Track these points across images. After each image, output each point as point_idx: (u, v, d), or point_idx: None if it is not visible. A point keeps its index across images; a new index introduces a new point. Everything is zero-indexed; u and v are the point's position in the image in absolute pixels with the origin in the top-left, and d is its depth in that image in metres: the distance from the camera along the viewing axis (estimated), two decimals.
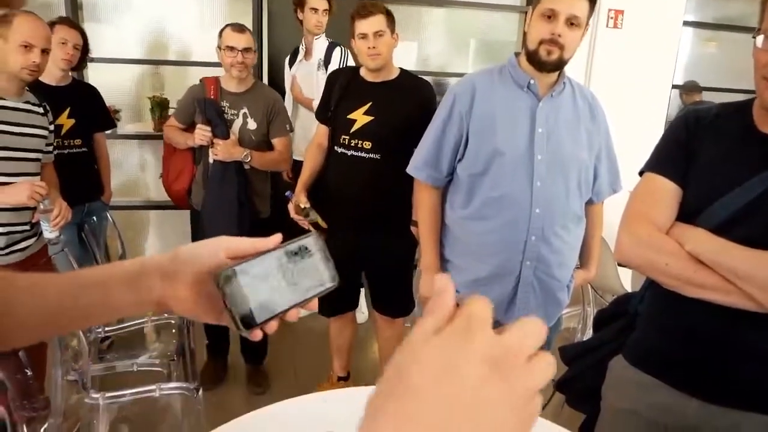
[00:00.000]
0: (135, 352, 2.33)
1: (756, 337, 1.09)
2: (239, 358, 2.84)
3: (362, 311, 3.34)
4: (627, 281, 2.33)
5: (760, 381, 1.12)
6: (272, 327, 0.58)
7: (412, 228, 2.11)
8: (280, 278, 0.57)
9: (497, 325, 0.37)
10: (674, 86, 4.09)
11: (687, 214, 1.14)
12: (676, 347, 1.18)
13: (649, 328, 1.24)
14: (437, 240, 1.81)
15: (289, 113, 3.16)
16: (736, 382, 1.13)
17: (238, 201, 2.31)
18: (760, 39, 1.03)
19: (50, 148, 2.06)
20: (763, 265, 1.01)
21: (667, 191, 1.17)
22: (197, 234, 2.53)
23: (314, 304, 0.60)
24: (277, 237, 0.59)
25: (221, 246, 0.60)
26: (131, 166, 3.68)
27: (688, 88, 4.21)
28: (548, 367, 0.37)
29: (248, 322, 0.55)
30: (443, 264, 1.81)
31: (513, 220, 1.64)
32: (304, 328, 3.44)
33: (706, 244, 1.07)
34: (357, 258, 2.26)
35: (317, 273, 0.60)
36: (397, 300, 2.34)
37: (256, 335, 0.57)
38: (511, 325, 0.37)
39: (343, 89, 2.15)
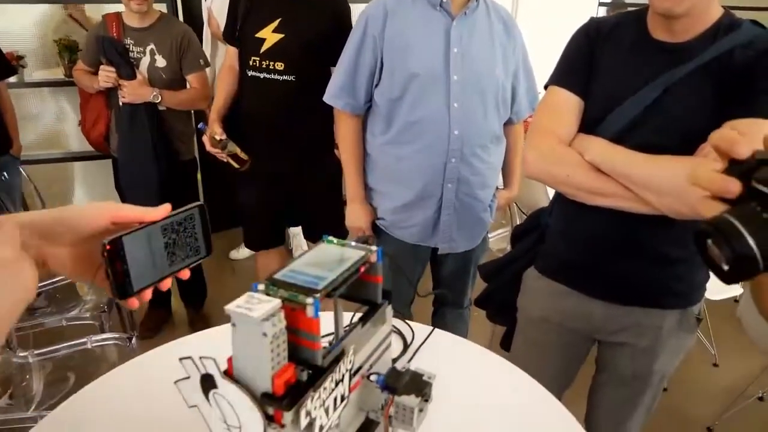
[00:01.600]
0: (70, 307, 2.28)
1: (654, 239, 1.14)
2: (181, 305, 2.85)
3: (303, 247, 3.35)
4: None
5: (659, 280, 1.19)
6: (147, 295, 0.60)
7: (336, 151, 2.06)
8: (161, 249, 0.59)
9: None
10: (601, 3, 4.09)
11: (589, 124, 1.15)
12: (581, 255, 1.23)
13: (557, 239, 1.29)
14: (361, 169, 1.79)
15: (208, 50, 3.00)
16: (637, 283, 1.19)
17: (152, 144, 2.21)
18: None
19: None
20: (657, 170, 1.03)
21: (568, 103, 1.17)
22: (117, 182, 2.43)
23: (186, 273, 0.62)
24: (166, 207, 0.60)
25: (107, 212, 0.60)
26: (47, 117, 3.45)
27: (614, 5, 4.22)
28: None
29: (126, 291, 0.56)
30: (368, 192, 1.80)
31: (432, 144, 1.63)
32: (243, 268, 3.45)
33: (603, 153, 1.09)
34: (280, 188, 2.18)
35: (195, 243, 0.62)
36: (328, 228, 2.27)
37: (133, 303, 0.58)
38: None
39: (249, 3, 2.00)
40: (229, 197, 2.63)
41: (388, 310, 0.68)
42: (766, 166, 0.46)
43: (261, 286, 0.55)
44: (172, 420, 0.79)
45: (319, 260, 0.61)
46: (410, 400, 0.61)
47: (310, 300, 0.52)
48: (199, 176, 2.67)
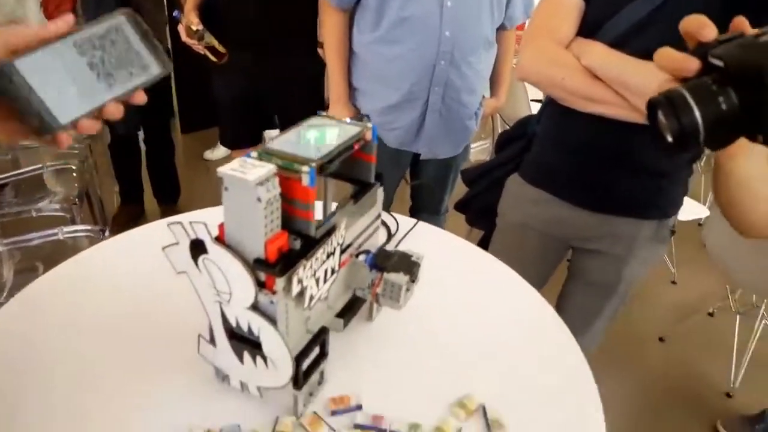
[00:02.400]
0: (38, 198, 2.23)
1: (644, 150, 1.13)
2: (154, 203, 2.82)
3: None
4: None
5: (643, 190, 1.20)
6: (89, 127, 0.51)
7: (320, 50, 1.97)
8: (85, 69, 0.50)
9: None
10: None
11: (588, 29, 1.11)
12: (568, 162, 1.22)
13: (545, 146, 1.28)
14: (346, 68, 1.72)
15: None
16: (621, 192, 1.20)
17: None
18: None
19: None
20: (654, 77, 1.01)
21: (568, 5, 1.12)
22: None
23: (140, 97, 0.54)
24: (67, 19, 0.51)
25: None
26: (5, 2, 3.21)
27: None
28: None
29: (48, 123, 0.48)
30: (352, 92, 1.74)
31: (422, 44, 1.56)
32: (217, 165, 3.39)
33: (601, 58, 1.05)
34: (259, 86, 2.08)
35: (139, 59, 0.53)
36: None
37: (62, 140, 0.51)
38: None
39: None
40: (203, 95, 2.52)
41: (380, 192, 0.67)
42: (724, 44, 0.46)
43: (254, 154, 0.53)
44: (151, 293, 0.79)
45: (313, 133, 0.59)
46: (398, 277, 0.61)
47: (305, 168, 0.50)
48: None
